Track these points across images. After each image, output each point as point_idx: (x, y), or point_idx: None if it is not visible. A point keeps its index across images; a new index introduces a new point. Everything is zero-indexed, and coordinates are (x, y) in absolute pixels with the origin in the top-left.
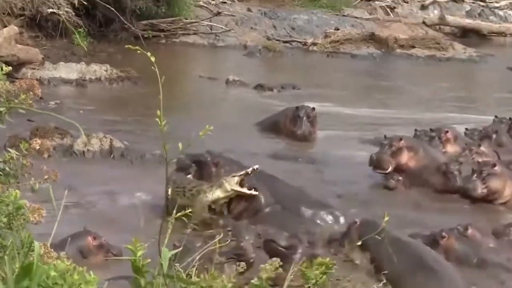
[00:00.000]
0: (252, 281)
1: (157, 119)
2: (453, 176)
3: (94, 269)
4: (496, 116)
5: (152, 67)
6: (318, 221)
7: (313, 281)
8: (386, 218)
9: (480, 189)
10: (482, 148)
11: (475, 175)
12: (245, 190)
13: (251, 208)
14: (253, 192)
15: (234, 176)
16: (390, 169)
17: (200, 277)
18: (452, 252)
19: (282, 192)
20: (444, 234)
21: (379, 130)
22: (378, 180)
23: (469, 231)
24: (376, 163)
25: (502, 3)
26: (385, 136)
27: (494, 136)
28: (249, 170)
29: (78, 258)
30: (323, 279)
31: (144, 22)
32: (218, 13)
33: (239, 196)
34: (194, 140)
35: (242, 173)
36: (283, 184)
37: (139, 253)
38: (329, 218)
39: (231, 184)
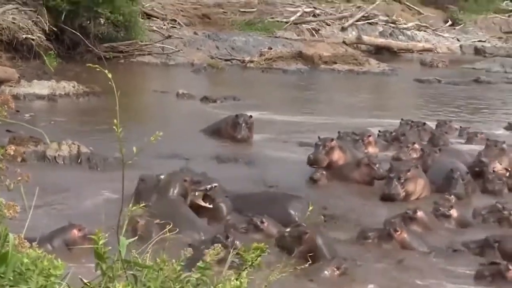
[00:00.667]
0: (198, 264)
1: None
2: (376, 167)
3: (80, 257)
4: (402, 119)
5: (109, 83)
6: (292, 211)
7: (249, 263)
8: (311, 207)
9: (401, 194)
10: (416, 146)
11: (395, 180)
12: (202, 203)
13: (215, 217)
14: (207, 205)
15: (200, 191)
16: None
17: (153, 262)
18: (406, 244)
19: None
20: (397, 228)
21: (307, 134)
22: (306, 175)
23: (418, 213)
24: (313, 162)
25: (410, 24)
26: (319, 138)
27: (402, 137)
28: (208, 187)
29: (64, 249)
30: (258, 261)
31: (106, 44)
32: (169, 36)
33: (201, 207)
34: (147, 145)
35: (202, 188)
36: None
37: (100, 242)
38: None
39: (197, 196)
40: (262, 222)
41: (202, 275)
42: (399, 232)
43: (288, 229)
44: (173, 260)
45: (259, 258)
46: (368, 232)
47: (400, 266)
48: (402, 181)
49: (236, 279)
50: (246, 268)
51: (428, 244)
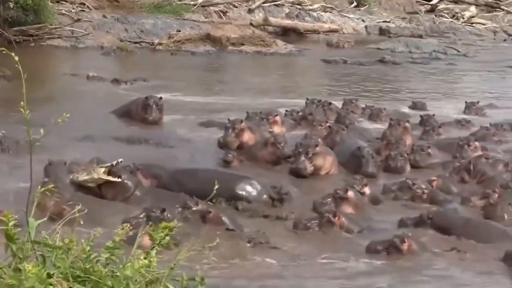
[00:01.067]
0: (107, 243)
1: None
2: (281, 146)
3: None
4: (307, 99)
5: (16, 65)
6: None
7: (158, 242)
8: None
9: (308, 168)
10: (328, 124)
11: (303, 155)
12: (110, 177)
13: (122, 192)
14: (117, 179)
15: (101, 167)
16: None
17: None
18: (344, 227)
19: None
20: (337, 214)
21: (216, 115)
22: (218, 155)
23: (349, 193)
24: (223, 145)
25: (315, 5)
26: (228, 119)
27: (310, 116)
28: (114, 162)
29: None
30: (166, 240)
31: (16, 28)
32: (78, 20)
33: (109, 182)
34: (57, 127)
35: (108, 164)
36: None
37: (10, 223)
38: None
39: (98, 173)
40: (197, 205)
41: (111, 255)
42: (337, 217)
43: (189, 211)
44: (82, 240)
45: (167, 237)
46: (306, 222)
47: (313, 243)
48: (310, 155)
49: (145, 258)
50: (154, 247)
51: (361, 224)
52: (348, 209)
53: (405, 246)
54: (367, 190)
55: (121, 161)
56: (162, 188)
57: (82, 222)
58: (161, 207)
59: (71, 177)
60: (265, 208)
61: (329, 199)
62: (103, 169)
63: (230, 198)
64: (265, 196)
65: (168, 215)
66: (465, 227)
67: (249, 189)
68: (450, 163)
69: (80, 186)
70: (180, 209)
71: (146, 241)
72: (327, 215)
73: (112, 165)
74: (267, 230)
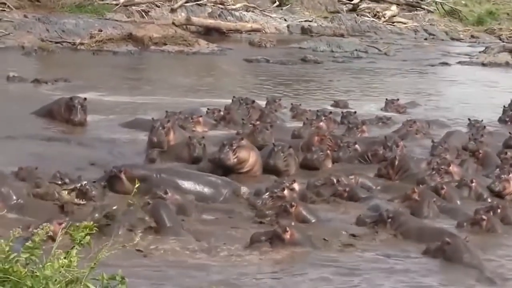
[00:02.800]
0: (27, 243)
1: None
2: (193, 147)
3: None
4: (234, 96)
5: None
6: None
7: (78, 241)
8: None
9: (232, 159)
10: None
11: (227, 147)
12: (77, 200)
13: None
14: (81, 202)
15: (65, 190)
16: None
17: None
18: (300, 216)
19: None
20: (293, 203)
21: (136, 114)
22: (140, 155)
23: (294, 185)
24: (156, 144)
25: (238, 5)
26: (153, 119)
27: (227, 116)
28: (78, 185)
29: None
30: (86, 239)
31: None
32: None
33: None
34: None
35: (72, 187)
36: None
37: None
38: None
39: (63, 196)
40: (166, 193)
41: (31, 255)
42: (294, 207)
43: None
44: (1, 240)
45: (87, 237)
46: (263, 215)
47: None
48: (234, 147)
49: (65, 258)
50: (74, 246)
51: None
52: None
53: (287, 235)
54: (296, 186)
55: (85, 184)
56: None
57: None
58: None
59: (34, 192)
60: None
61: (266, 196)
62: (66, 191)
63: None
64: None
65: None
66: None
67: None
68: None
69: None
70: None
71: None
72: (284, 205)
73: (75, 187)
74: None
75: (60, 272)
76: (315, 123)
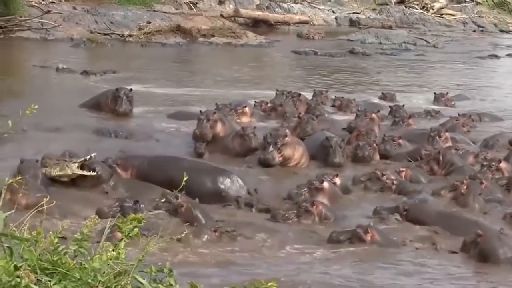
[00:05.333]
0: (75, 235)
1: None
2: (249, 138)
3: None
4: (277, 90)
5: None
6: (221, 185)
7: (126, 233)
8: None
9: (277, 158)
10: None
11: (271, 146)
12: (84, 172)
13: (96, 184)
14: (91, 173)
15: (74, 162)
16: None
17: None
18: (321, 215)
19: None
20: (314, 203)
21: (186, 106)
22: (188, 147)
23: (324, 184)
24: (199, 136)
25: None
26: (200, 111)
27: (279, 108)
28: (87, 157)
29: None
30: (135, 231)
31: None
32: (48, 11)
33: (83, 176)
34: (26, 119)
35: (81, 159)
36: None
37: None
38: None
39: (72, 168)
40: (176, 198)
41: (79, 247)
42: (315, 206)
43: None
44: (50, 233)
45: (135, 229)
46: (285, 213)
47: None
48: (279, 146)
49: (113, 250)
50: (122, 239)
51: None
52: (322, 199)
53: (368, 236)
54: (338, 180)
55: (94, 155)
56: (142, 178)
57: (57, 215)
58: (134, 198)
59: (44, 171)
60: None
61: (304, 189)
62: (76, 164)
63: (209, 192)
64: (243, 191)
65: (141, 206)
66: (439, 218)
67: (228, 184)
68: (416, 151)
69: (53, 179)
70: (158, 201)
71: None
72: (304, 205)
73: (85, 159)
74: (239, 220)
75: (108, 264)
76: (368, 114)
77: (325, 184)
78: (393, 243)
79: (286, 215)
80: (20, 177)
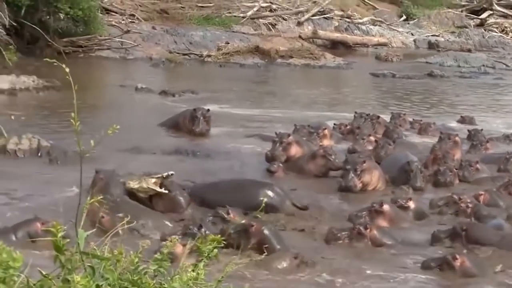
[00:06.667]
0: (155, 255)
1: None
2: (332, 158)
3: (43, 249)
4: (356, 112)
5: (67, 77)
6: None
7: (206, 254)
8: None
9: (358, 185)
10: (371, 138)
11: (351, 172)
12: (157, 188)
13: (172, 207)
14: (163, 190)
15: (152, 177)
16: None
17: (111, 253)
18: (376, 240)
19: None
20: (367, 226)
21: (264, 127)
22: (263, 168)
23: (384, 206)
24: (271, 158)
25: (365, 19)
26: (276, 133)
27: (357, 130)
28: (165, 174)
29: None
30: (214, 252)
31: (65, 39)
32: (128, 31)
33: (158, 195)
34: (105, 138)
35: (159, 176)
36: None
37: (59, 234)
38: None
39: (148, 183)
40: (228, 213)
41: (159, 267)
42: (369, 229)
43: (232, 226)
44: (131, 252)
45: (215, 250)
46: (337, 233)
47: (358, 257)
48: (359, 172)
49: (193, 270)
50: (202, 259)
51: (395, 237)
52: (382, 222)
53: (457, 263)
54: (411, 204)
55: (171, 174)
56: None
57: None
58: (198, 223)
59: (123, 182)
60: (295, 219)
61: (364, 212)
62: (153, 180)
63: (252, 206)
64: (287, 203)
65: (206, 232)
66: (501, 239)
67: (271, 195)
68: (499, 177)
69: (131, 196)
70: (211, 217)
71: (178, 249)
72: (357, 227)
73: (162, 176)
74: (301, 243)
75: (188, 285)
76: (452, 137)
77: (386, 207)
78: (484, 270)
79: (338, 235)
80: (101, 197)
